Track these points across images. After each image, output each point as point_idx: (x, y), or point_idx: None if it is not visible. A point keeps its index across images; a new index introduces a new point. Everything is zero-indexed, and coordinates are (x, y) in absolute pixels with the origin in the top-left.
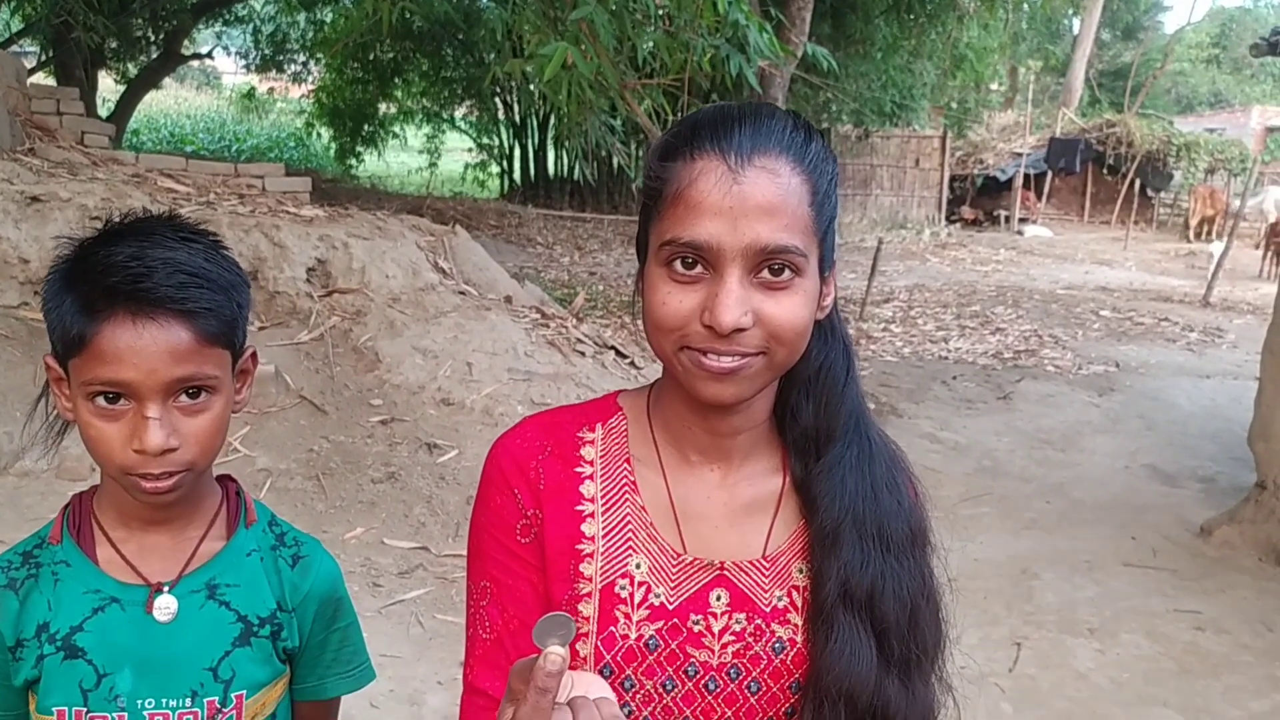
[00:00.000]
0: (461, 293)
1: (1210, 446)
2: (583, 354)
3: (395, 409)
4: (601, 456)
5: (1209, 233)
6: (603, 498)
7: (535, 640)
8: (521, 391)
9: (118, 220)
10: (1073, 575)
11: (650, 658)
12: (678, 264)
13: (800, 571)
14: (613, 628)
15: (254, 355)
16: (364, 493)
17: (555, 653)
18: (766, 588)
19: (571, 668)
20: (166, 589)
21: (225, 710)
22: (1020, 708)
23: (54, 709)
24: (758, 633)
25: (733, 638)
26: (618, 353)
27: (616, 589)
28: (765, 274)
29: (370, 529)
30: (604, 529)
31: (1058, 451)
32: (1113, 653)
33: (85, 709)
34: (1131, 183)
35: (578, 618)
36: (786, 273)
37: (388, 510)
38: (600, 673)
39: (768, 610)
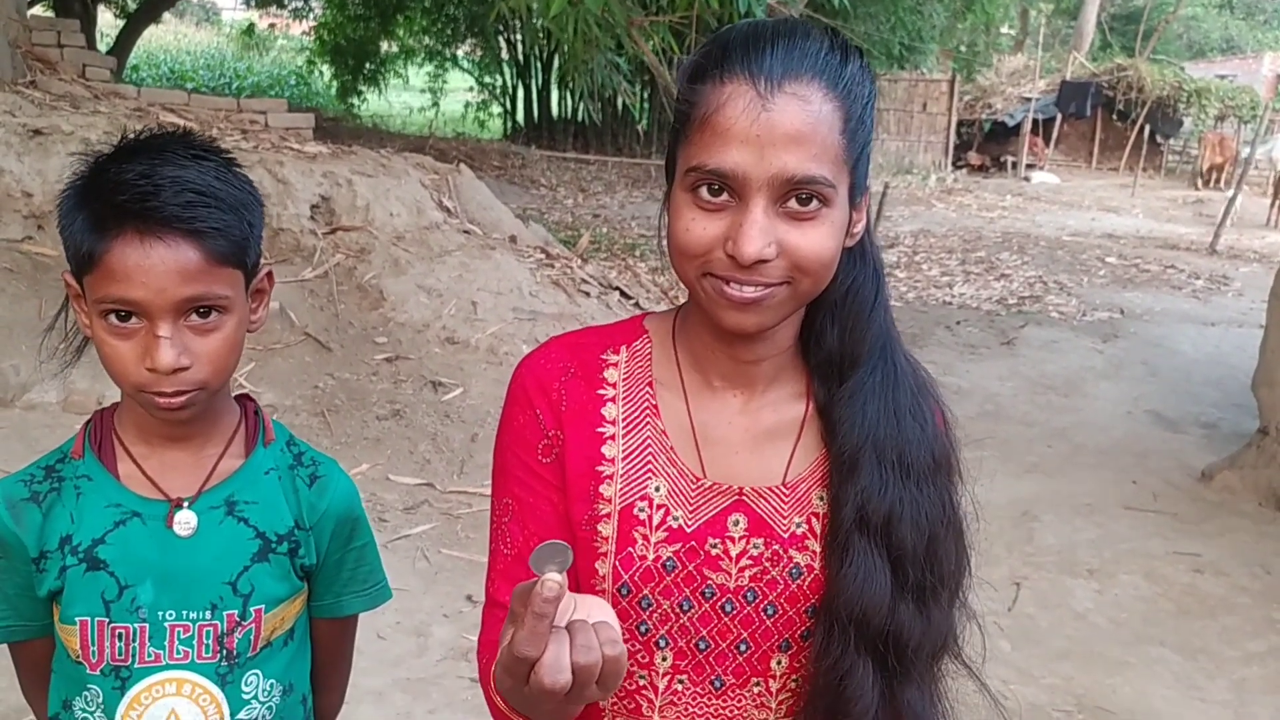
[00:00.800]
0: (466, 231)
1: (1213, 393)
2: (587, 294)
3: (400, 347)
4: (624, 379)
5: (1218, 180)
6: (624, 420)
7: (532, 567)
8: (526, 331)
9: (132, 137)
10: (1073, 518)
11: (668, 578)
12: (703, 190)
13: (820, 499)
14: (630, 549)
15: (269, 275)
16: (369, 429)
17: (552, 579)
18: (785, 514)
19: (589, 588)
20: (186, 504)
21: (244, 624)
22: (1019, 645)
23: (77, 619)
24: (775, 558)
25: (750, 562)
26: (622, 294)
27: (635, 511)
28: (792, 204)
29: (375, 465)
30: (624, 451)
31: (1060, 397)
32: (1111, 593)
33: (108, 619)
34: (1141, 129)
35: (597, 538)
36: (814, 203)
37: (393, 447)
38: (618, 592)
39: (785, 536)
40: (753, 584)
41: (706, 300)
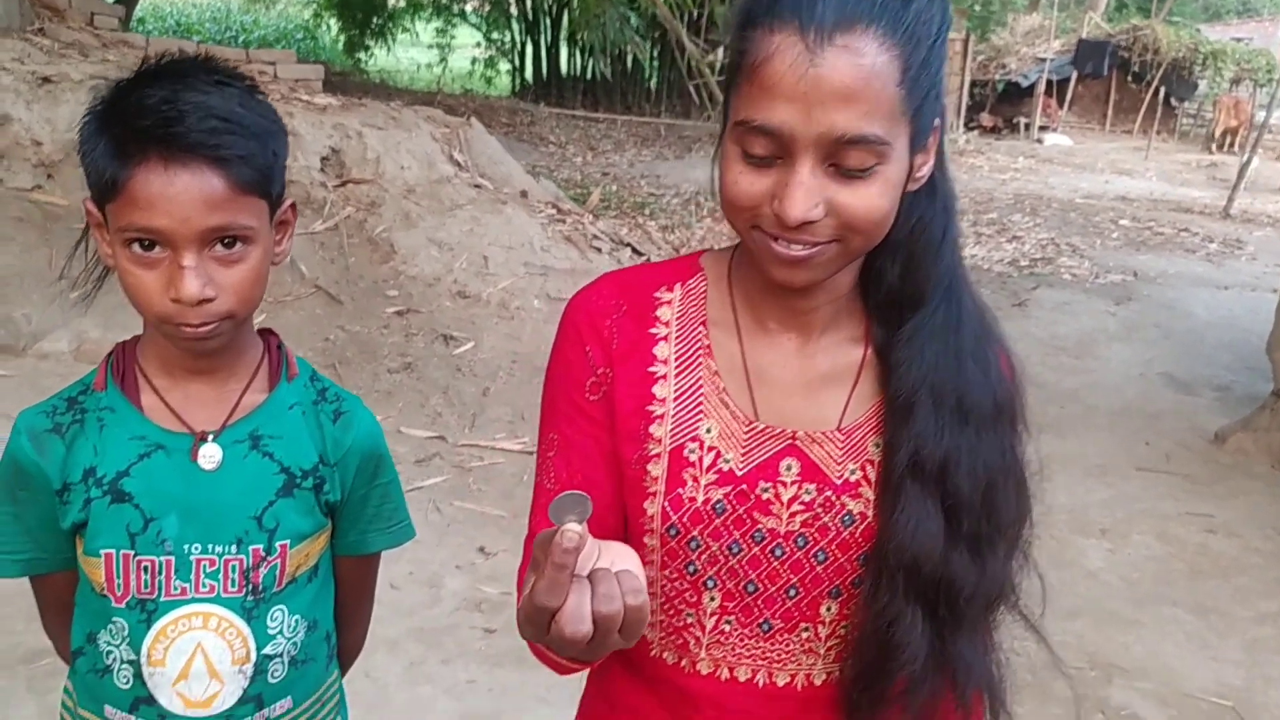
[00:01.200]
0: (477, 186)
1: (1226, 356)
2: (599, 250)
3: (411, 300)
4: (678, 318)
5: (1232, 144)
6: (676, 360)
7: (551, 517)
8: (538, 286)
9: (153, 61)
10: (1085, 478)
11: (717, 520)
12: (751, 145)
13: (876, 445)
14: (680, 490)
15: (293, 207)
16: (380, 382)
17: (572, 529)
18: (839, 460)
19: (638, 528)
20: (211, 438)
21: (270, 559)
22: (1030, 603)
23: (102, 551)
24: (827, 504)
25: (801, 507)
26: (634, 250)
27: (685, 452)
28: (841, 161)
29: (387, 418)
30: (675, 392)
31: (1073, 359)
32: (1123, 553)
33: (133, 552)
34: (1156, 91)
35: (646, 478)
36: (866, 160)
37: (404, 400)
38: (666, 533)
39: (839, 483)
40: (804, 529)
41: (756, 252)
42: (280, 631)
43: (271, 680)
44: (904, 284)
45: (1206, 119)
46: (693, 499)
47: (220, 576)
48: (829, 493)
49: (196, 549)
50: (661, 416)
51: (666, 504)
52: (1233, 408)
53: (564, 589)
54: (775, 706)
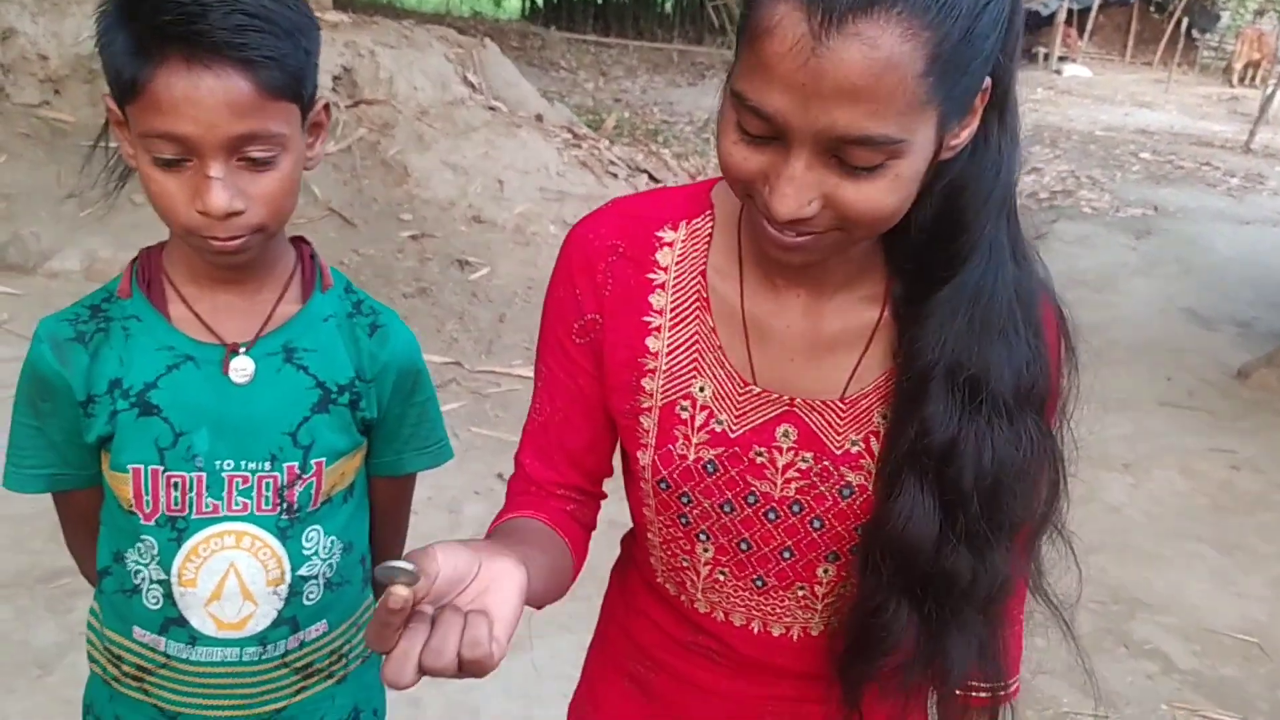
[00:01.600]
0: (491, 108)
1: (1248, 292)
2: (615, 176)
3: (425, 224)
4: (677, 263)
5: (1253, 78)
6: (672, 311)
7: (380, 577)
8: (554, 211)
9: None
10: (1107, 413)
11: (708, 479)
12: (746, 120)
13: (883, 417)
14: (670, 446)
15: (326, 107)
16: (395, 307)
17: (398, 594)
18: (841, 430)
19: (635, 474)
20: (243, 350)
21: (305, 477)
22: (1051, 537)
23: (129, 466)
24: (824, 474)
25: (797, 474)
26: (651, 177)
27: (677, 409)
28: (845, 155)
29: None
30: (669, 346)
31: (1094, 293)
32: (1146, 488)
33: (162, 467)
34: (1178, 22)
35: (639, 429)
36: (874, 157)
37: (420, 325)
38: (657, 485)
39: (838, 454)
40: (799, 496)
41: (753, 223)
42: (315, 553)
43: (306, 603)
44: (933, 247)
45: (1228, 52)
46: (683, 456)
47: (254, 494)
48: (827, 462)
49: (229, 465)
50: (653, 371)
51: (657, 458)
52: (1255, 344)
53: (391, 640)
54: (773, 650)
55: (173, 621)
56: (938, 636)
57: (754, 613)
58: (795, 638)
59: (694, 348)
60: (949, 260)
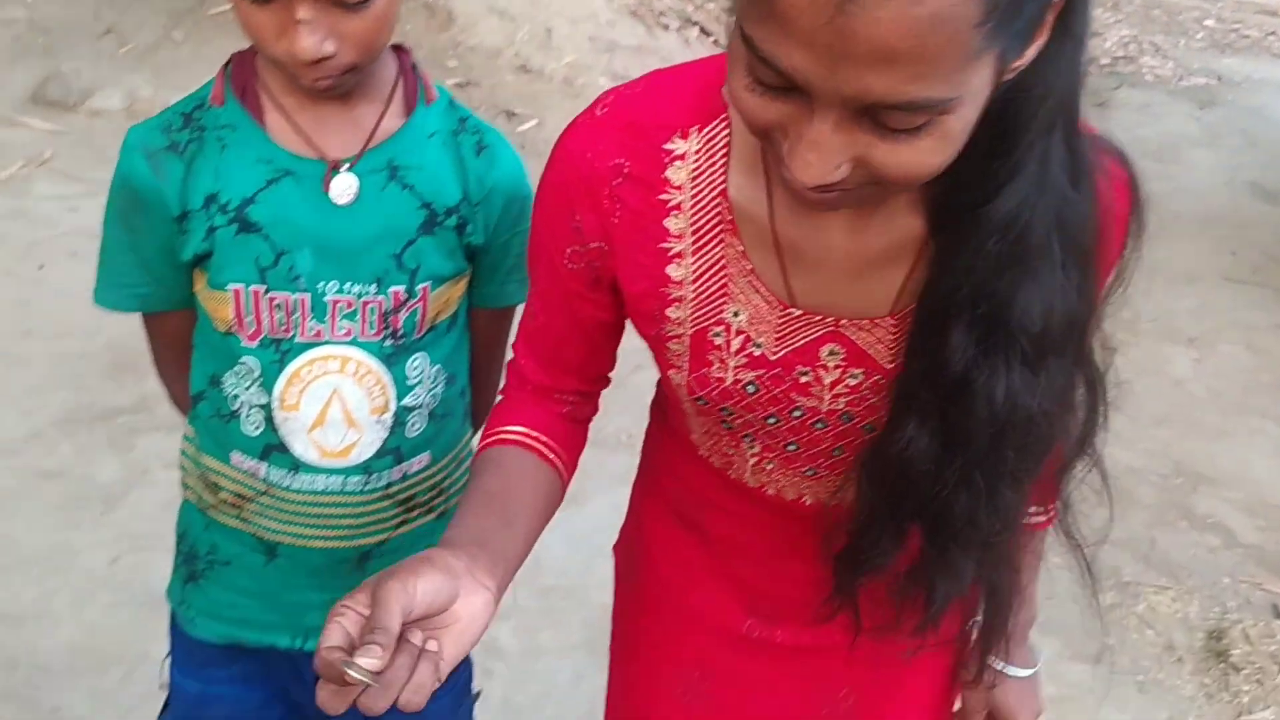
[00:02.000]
0: None
1: None
2: (666, 28)
3: (471, 72)
4: (693, 180)
5: None
6: (693, 235)
7: (341, 667)
8: (604, 63)
9: None
10: (1170, 286)
11: (749, 398)
12: (758, 70)
13: None
14: (705, 370)
15: None
16: None
17: (360, 671)
18: (892, 346)
19: (667, 383)
20: (345, 167)
21: (411, 302)
22: (1114, 410)
23: (230, 286)
24: (876, 387)
25: (846, 390)
26: (702, 30)
27: (710, 336)
28: (880, 120)
29: None
30: (694, 273)
31: (1155, 163)
32: (1211, 362)
33: (264, 287)
34: None
35: (668, 353)
36: (914, 121)
37: None
38: (695, 402)
39: (890, 368)
40: (849, 408)
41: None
42: (420, 381)
43: (410, 434)
44: (970, 164)
45: None
46: (720, 379)
47: (358, 319)
48: (878, 377)
49: (333, 288)
50: (680, 300)
51: (692, 380)
52: None
53: (344, 707)
54: (827, 512)
55: (274, 448)
56: (927, 566)
57: (805, 490)
58: (849, 503)
59: (722, 273)
60: (984, 181)
